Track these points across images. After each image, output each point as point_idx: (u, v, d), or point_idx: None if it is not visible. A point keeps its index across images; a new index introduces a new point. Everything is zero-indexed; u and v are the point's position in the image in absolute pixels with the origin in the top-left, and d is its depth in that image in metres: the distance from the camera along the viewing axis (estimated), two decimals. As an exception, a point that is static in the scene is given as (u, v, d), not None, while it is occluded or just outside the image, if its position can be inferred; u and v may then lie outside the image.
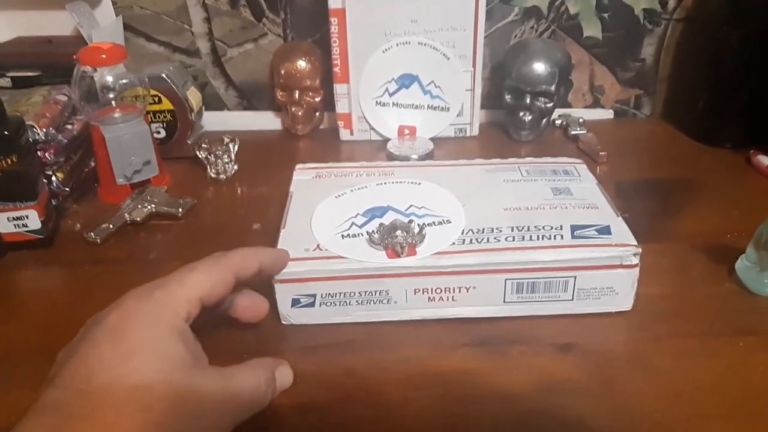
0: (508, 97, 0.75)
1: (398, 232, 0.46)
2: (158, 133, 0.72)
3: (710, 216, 0.60)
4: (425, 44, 0.72)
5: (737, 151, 0.72)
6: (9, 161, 0.53)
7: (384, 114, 0.76)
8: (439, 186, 0.54)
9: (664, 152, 0.75)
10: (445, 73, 0.74)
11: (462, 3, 0.70)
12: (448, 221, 0.49)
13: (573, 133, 0.77)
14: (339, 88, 0.75)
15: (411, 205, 0.51)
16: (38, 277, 0.55)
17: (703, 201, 0.63)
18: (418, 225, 0.47)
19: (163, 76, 0.70)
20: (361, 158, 0.72)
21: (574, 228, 0.47)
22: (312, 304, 0.46)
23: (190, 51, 0.80)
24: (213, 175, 0.69)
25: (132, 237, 0.59)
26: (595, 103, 0.83)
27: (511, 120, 0.77)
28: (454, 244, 0.46)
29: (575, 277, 0.46)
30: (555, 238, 0.46)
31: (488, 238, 0.47)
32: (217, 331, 0.43)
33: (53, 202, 0.60)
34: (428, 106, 0.76)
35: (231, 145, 0.69)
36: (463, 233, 0.47)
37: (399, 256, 0.45)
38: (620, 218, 0.49)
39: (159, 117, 0.71)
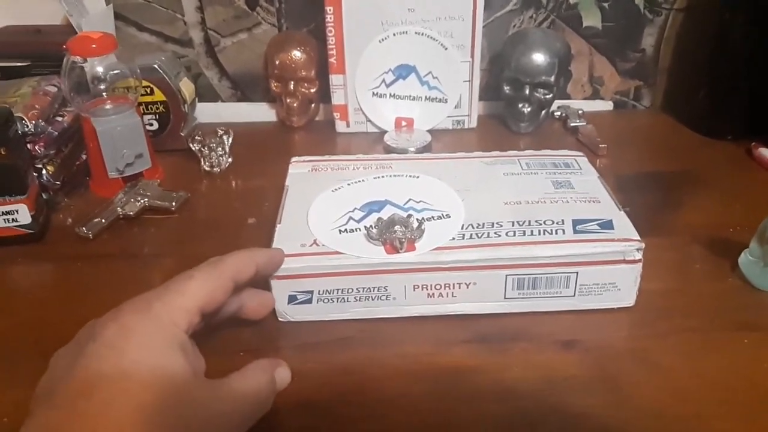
0: (506, 89, 0.74)
1: (397, 227, 0.45)
2: (150, 125, 0.70)
3: (712, 210, 0.59)
4: (422, 34, 0.71)
5: (738, 144, 0.71)
6: (-3, 154, 0.52)
7: (381, 105, 0.75)
8: (438, 180, 0.53)
9: (664, 144, 0.74)
10: (442, 64, 0.73)
11: (460, -8, 0.69)
12: (448, 216, 0.48)
13: (572, 125, 0.76)
14: (335, 79, 0.73)
15: (409, 199, 0.50)
16: (29, 273, 0.54)
17: (705, 194, 0.62)
18: (417, 220, 0.46)
19: (155, 66, 0.68)
20: (357, 151, 0.72)
21: (575, 222, 0.47)
22: (309, 301, 0.45)
23: (183, 41, 0.78)
24: (207, 168, 0.68)
25: (125, 231, 0.58)
26: (595, 95, 0.82)
27: (509, 112, 0.76)
28: (453, 239, 0.45)
29: (577, 273, 0.45)
30: (556, 233, 0.46)
31: (488, 233, 0.46)
32: (214, 329, 0.42)
33: (43, 196, 0.58)
34: (426, 97, 0.74)
35: (225, 138, 0.68)
36: (462, 228, 0.47)
37: (398, 252, 0.44)
38: (622, 212, 0.48)
39: (151, 108, 0.70)
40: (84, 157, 0.65)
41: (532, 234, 0.46)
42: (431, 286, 0.45)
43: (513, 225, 0.47)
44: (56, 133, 0.61)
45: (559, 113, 0.78)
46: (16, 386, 0.39)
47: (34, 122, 0.59)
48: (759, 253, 0.48)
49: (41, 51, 0.69)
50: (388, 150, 0.71)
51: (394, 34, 0.71)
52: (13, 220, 0.54)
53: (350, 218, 0.48)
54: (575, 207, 0.49)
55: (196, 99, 0.75)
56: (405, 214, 0.47)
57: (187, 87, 0.72)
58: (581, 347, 0.44)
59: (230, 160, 0.69)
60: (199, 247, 0.55)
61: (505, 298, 0.46)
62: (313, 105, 0.79)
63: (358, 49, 0.71)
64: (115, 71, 0.62)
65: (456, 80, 0.73)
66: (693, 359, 0.43)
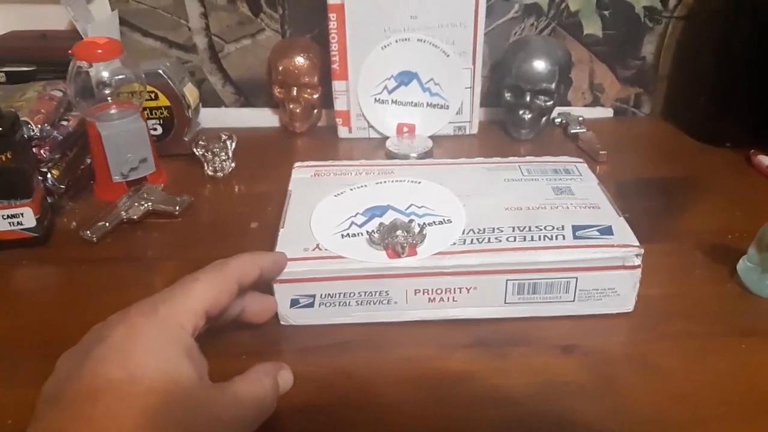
0: (507, 95, 0.75)
1: (399, 232, 0.45)
2: (155, 129, 0.71)
3: (711, 216, 0.60)
4: (425, 41, 0.71)
5: (737, 151, 0.71)
6: (3, 158, 0.52)
7: (383, 111, 0.75)
8: (439, 185, 0.53)
9: (664, 151, 0.75)
10: (444, 71, 0.73)
11: (462, -1, 0.69)
12: (449, 221, 0.48)
13: (573, 131, 0.77)
14: (337, 85, 0.74)
15: (411, 204, 0.50)
16: (33, 276, 0.54)
17: (704, 201, 0.62)
18: (419, 225, 0.46)
19: (160, 72, 0.69)
20: (359, 156, 0.72)
21: (575, 228, 0.47)
22: (311, 305, 0.45)
23: (187, 46, 0.79)
24: (210, 173, 0.68)
25: (128, 235, 0.58)
26: (595, 102, 0.83)
27: (510, 118, 0.76)
28: (455, 244, 0.46)
29: (577, 278, 0.45)
30: (556, 239, 0.46)
31: (489, 238, 0.46)
32: (216, 331, 0.43)
33: (48, 200, 0.59)
34: (427, 103, 0.75)
35: (228, 143, 0.68)
36: (464, 233, 0.47)
37: (399, 257, 0.45)
38: (622, 218, 0.48)
39: (156, 113, 0.70)
40: (88, 161, 0.66)
41: (532, 239, 0.46)
42: (432, 290, 0.45)
43: (513, 230, 0.47)
44: (61, 137, 0.62)
45: (559, 120, 0.79)
46: (20, 388, 0.39)
47: (39, 126, 0.59)
48: (757, 259, 0.49)
49: (47, 56, 0.70)
50: (390, 156, 0.72)
51: (396, 41, 0.71)
52: (18, 223, 0.55)
53: (352, 223, 0.48)
54: (575, 213, 0.49)
55: (200, 104, 0.76)
56: (407, 219, 0.47)
57: (191, 92, 0.72)
58: (581, 352, 0.44)
59: (233, 164, 0.69)
60: (202, 251, 0.55)
61: (505, 302, 0.46)
62: (315, 110, 0.79)
63: (361, 55, 0.72)
64: (120, 76, 0.62)
65: (457, 87, 0.74)
66: (691, 364, 0.43)
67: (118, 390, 0.30)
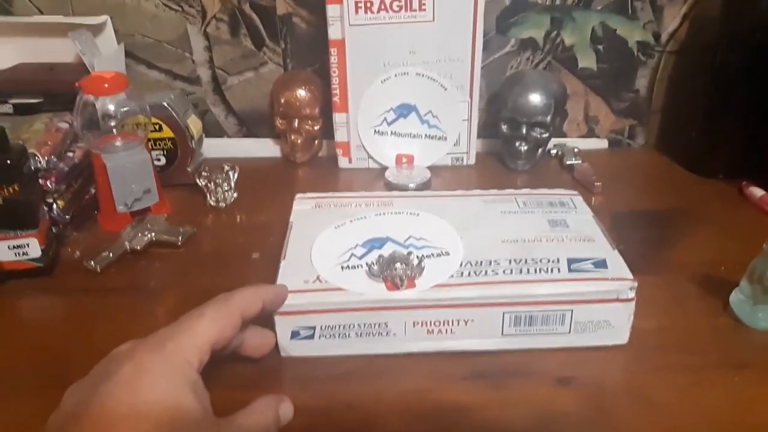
0: (504, 127, 0.77)
1: (398, 265, 0.46)
2: (159, 160, 0.72)
3: (704, 247, 0.61)
4: (423, 75, 0.73)
5: (730, 182, 0.73)
6: (11, 190, 0.53)
7: (382, 143, 0.77)
8: (437, 217, 0.54)
9: (658, 182, 0.76)
10: (442, 103, 0.75)
11: (459, 35, 0.71)
12: (447, 253, 0.49)
13: (568, 162, 0.78)
14: (338, 117, 0.76)
15: (410, 236, 0.51)
16: (38, 306, 0.55)
17: (697, 232, 0.63)
18: (417, 257, 0.47)
19: (165, 104, 0.70)
20: (359, 186, 0.73)
21: (570, 261, 0.48)
22: (311, 337, 0.46)
23: (191, 79, 0.81)
24: (213, 203, 0.69)
25: (132, 265, 0.59)
26: (590, 133, 0.84)
27: (507, 149, 0.78)
28: (452, 276, 0.47)
29: (572, 311, 0.46)
30: (552, 271, 0.47)
31: (486, 271, 0.47)
32: (216, 362, 0.43)
33: (53, 230, 0.60)
34: (426, 135, 0.77)
35: (231, 173, 0.70)
36: (461, 265, 0.48)
37: (398, 289, 0.46)
38: (616, 251, 0.49)
39: (160, 144, 0.72)
40: (93, 191, 0.67)
41: (528, 272, 0.47)
42: (431, 322, 0.46)
43: (510, 263, 0.48)
44: (67, 168, 0.63)
45: (555, 151, 0.81)
46: (24, 419, 0.40)
47: (46, 158, 0.60)
48: (749, 291, 0.50)
49: (54, 88, 0.71)
50: (389, 186, 0.73)
51: (395, 75, 0.73)
52: (23, 253, 0.56)
53: (352, 255, 0.49)
54: (570, 246, 0.50)
55: (203, 135, 0.77)
56: (405, 252, 0.48)
57: (194, 124, 0.74)
58: (577, 384, 0.45)
59: (236, 195, 0.70)
60: (204, 282, 0.56)
61: (502, 335, 0.47)
62: (316, 141, 0.81)
63: (361, 88, 0.74)
64: (126, 108, 0.64)
65: (455, 119, 0.76)
66: (686, 397, 0.44)
67: (126, 426, 0.31)
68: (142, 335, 0.36)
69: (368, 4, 0.69)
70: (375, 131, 0.76)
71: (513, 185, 0.74)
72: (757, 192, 0.69)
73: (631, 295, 0.46)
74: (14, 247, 0.55)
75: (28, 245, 0.56)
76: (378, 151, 0.77)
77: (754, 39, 0.69)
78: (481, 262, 0.48)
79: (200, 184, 0.69)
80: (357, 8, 0.69)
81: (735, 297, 0.51)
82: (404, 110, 0.75)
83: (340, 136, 0.77)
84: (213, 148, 0.81)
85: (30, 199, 0.55)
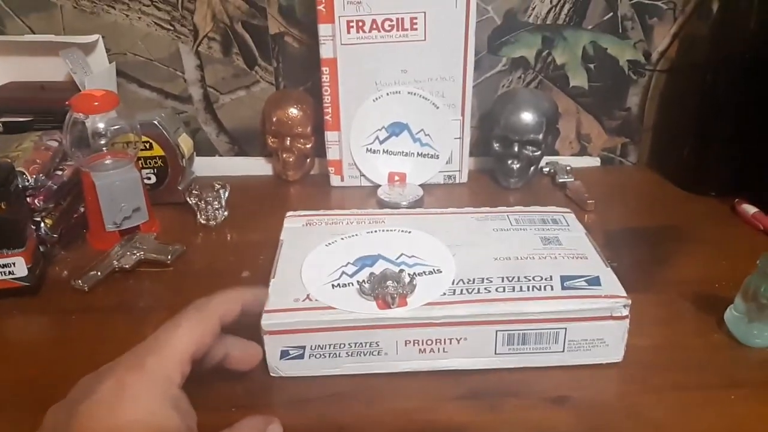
0: (496, 146, 0.77)
1: (389, 283, 0.46)
2: (149, 179, 0.72)
3: (698, 265, 0.61)
4: (415, 93, 0.73)
5: (722, 200, 0.73)
6: (-2, 208, 0.53)
7: (374, 161, 0.77)
8: (429, 235, 0.54)
9: (650, 200, 0.76)
10: (434, 122, 0.75)
11: (451, 53, 0.71)
12: (439, 271, 0.49)
13: (561, 180, 0.78)
14: (330, 136, 0.76)
15: (401, 254, 0.51)
16: (24, 326, 0.54)
17: (690, 250, 0.63)
18: (409, 275, 0.47)
19: (155, 122, 0.70)
20: (351, 204, 0.73)
21: (563, 279, 0.48)
22: (301, 356, 0.45)
23: (183, 97, 0.81)
24: (203, 221, 0.69)
25: (120, 285, 0.59)
26: (582, 151, 0.84)
27: (499, 167, 0.78)
28: (444, 294, 0.46)
29: (566, 329, 0.46)
30: (545, 289, 0.47)
31: (479, 289, 0.47)
32: (204, 383, 0.42)
33: (41, 249, 0.59)
34: (418, 153, 0.77)
35: (221, 192, 0.69)
36: (453, 283, 0.47)
37: (390, 307, 0.45)
38: (609, 269, 0.49)
39: (150, 163, 0.71)
40: (82, 209, 0.66)
41: (521, 290, 0.47)
42: (423, 341, 0.46)
43: (503, 281, 0.48)
44: (56, 186, 0.62)
45: (547, 169, 0.81)
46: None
47: (35, 176, 0.60)
48: (743, 309, 0.49)
49: (44, 106, 0.71)
50: (381, 204, 0.73)
51: (387, 94, 0.73)
52: (9, 272, 0.55)
53: (343, 273, 0.49)
54: (563, 263, 0.50)
55: (194, 153, 0.77)
56: (397, 269, 0.48)
57: (185, 142, 0.73)
58: (571, 403, 0.44)
59: (226, 213, 0.70)
60: (193, 300, 0.55)
61: (495, 353, 0.46)
62: (308, 160, 0.81)
63: (353, 107, 0.74)
64: (116, 127, 0.63)
65: (447, 137, 0.76)
66: (680, 415, 0.43)
67: None
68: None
69: (360, 24, 0.69)
70: (367, 149, 0.76)
71: (505, 203, 0.74)
72: (750, 209, 0.69)
73: (625, 312, 0.45)
74: (0, 266, 0.55)
75: (14, 264, 0.55)
76: (370, 169, 0.77)
77: (744, 58, 0.69)
78: (474, 280, 0.48)
79: (190, 202, 0.69)
80: (349, 27, 0.69)
81: (729, 314, 0.51)
82: (396, 128, 0.75)
83: (332, 154, 0.77)
84: (204, 166, 0.80)
85: (17, 217, 0.55)
